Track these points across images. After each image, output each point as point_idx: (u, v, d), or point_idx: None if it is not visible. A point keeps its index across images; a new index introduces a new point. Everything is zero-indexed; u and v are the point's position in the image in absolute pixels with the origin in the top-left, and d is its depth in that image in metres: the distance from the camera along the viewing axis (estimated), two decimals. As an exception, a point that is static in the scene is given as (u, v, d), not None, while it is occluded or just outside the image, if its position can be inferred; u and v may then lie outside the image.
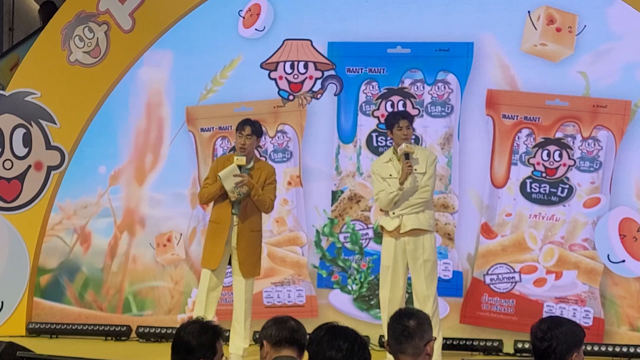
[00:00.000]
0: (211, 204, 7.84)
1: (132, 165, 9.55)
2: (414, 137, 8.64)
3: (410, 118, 7.66)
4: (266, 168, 7.85)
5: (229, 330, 7.61)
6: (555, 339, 4.28)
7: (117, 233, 9.56)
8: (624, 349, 7.88)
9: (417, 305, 7.47)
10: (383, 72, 8.89)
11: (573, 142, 8.38)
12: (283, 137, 9.13)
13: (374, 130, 8.84)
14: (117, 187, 9.58)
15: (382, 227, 7.63)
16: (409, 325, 4.12)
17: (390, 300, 7.53)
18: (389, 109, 8.73)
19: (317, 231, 8.97)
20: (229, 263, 7.74)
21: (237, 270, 7.65)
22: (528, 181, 8.47)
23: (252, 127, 7.65)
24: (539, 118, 8.45)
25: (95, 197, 9.62)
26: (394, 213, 7.50)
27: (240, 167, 7.53)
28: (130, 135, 9.59)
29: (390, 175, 7.48)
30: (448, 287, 8.51)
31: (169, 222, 9.38)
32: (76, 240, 9.66)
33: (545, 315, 8.24)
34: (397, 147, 7.52)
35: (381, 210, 7.72)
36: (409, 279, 7.57)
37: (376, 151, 8.78)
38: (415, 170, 7.45)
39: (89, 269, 9.59)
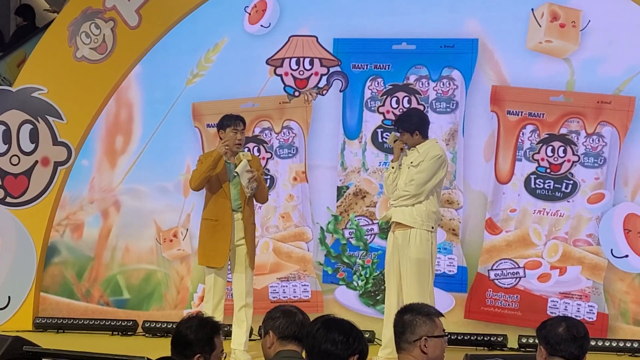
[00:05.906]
0: (203, 199, 7.79)
1: (140, 161, 9.59)
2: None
3: (398, 124, 7.59)
4: (256, 159, 7.90)
5: (230, 325, 7.57)
6: None
7: (122, 229, 9.61)
8: (628, 344, 7.89)
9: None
10: (388, 68, 8.91)
11: (577, 138, 8.39)
12: (289, 133, 9.16)
13: (380, 127, 8.87)
14: (125, 183, 9.63)
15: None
16: (401, 320, 4.12)
17: (387, 306, 7.46)
18: (394, 105, 8.76)
19: (322, 228, 9.00)
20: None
21: (243, 263, 7.59)
22: (532, 177, 8.49)
23: (244, 122, 7.66)
24: (543, 114, 8.47)
25: (101, 192, 9.66)
26: (392, 203, 7.53)
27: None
28: (136, 131, 9.66)
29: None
30: (453, 282, 8.55)
31: (175, 218, 9.41)
32: (82, 236, 9.70)
33: (549, 311, 8.28)
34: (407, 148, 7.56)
35: None
36: None
37: (381, 147, 8.81)
38: (412, 163, 7.42)
39: (94, 264, 9.64)
